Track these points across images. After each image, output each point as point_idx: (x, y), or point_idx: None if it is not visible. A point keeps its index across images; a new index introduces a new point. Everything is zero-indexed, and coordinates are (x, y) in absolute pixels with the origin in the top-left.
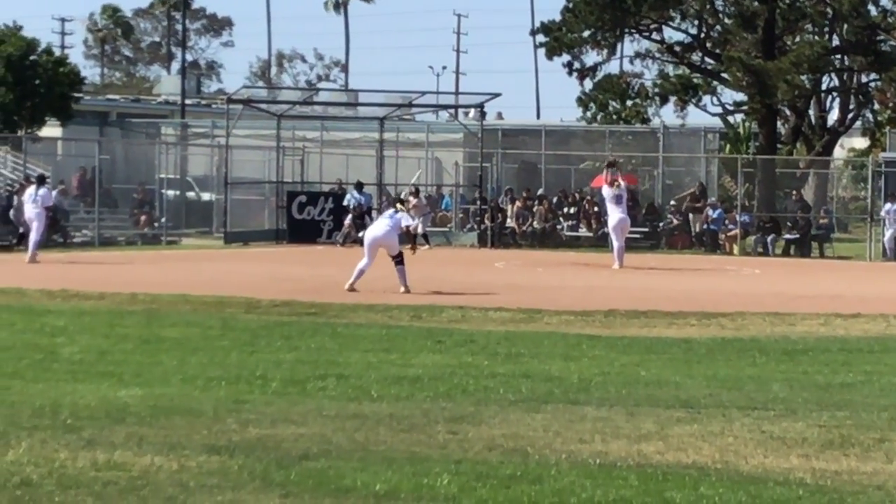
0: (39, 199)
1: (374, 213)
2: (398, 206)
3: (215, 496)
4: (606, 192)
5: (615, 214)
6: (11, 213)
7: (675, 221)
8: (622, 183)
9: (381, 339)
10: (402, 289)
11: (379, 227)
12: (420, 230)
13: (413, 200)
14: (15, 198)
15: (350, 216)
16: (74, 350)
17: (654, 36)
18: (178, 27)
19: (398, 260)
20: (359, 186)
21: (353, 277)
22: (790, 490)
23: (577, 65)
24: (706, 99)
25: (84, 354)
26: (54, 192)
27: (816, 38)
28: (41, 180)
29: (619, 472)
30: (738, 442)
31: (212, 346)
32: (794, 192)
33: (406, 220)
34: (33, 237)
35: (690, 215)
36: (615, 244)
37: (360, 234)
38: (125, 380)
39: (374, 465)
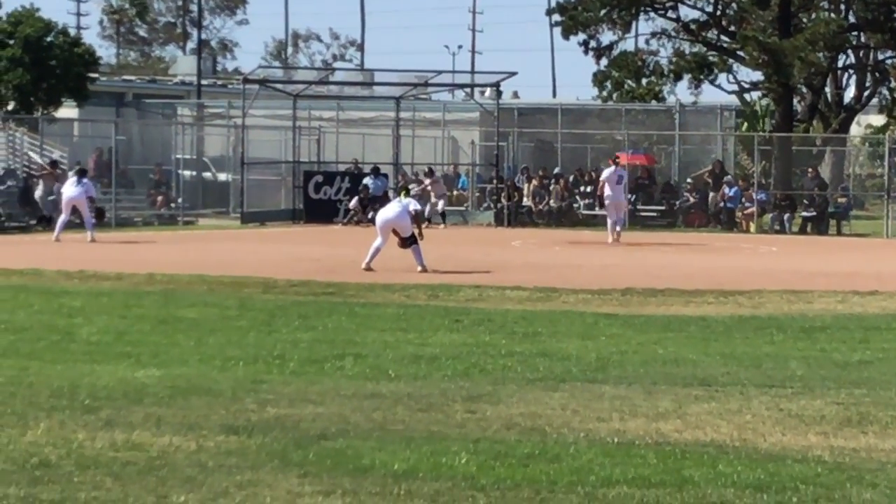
0: (83, 189)
1: (390, 195)
2: (402, 195)
3: (234, 476)
4: (607, 172)
5: (610, 193)
6: (38, 195)
7: (692, 199)
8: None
9: (398, 318)
10: (419, 268)
11: (391, 208)
12: (439, 208)
13: (427, 181)
14: (40, 183)
15: (357, 198)
16: (92, 331)
17: (670, 14)
18: (193, 6)
19: (412, 241)
20: (375, 171)
21: (369, 257)
22: (808, 467)
23: (592, 43)
24: (722, 77)
25: (102, 335)
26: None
27: (832, 15)
28: (82, 173)
29: (638, 451)
30: (756, 420)
31: (229, 326)
32: (811, 170)
33: (414, 206)
34: (87, 221)
35: (710, 193)
36: (609, 220)
37: (371, 216)
38: (143, 360)
39: (391, 445)
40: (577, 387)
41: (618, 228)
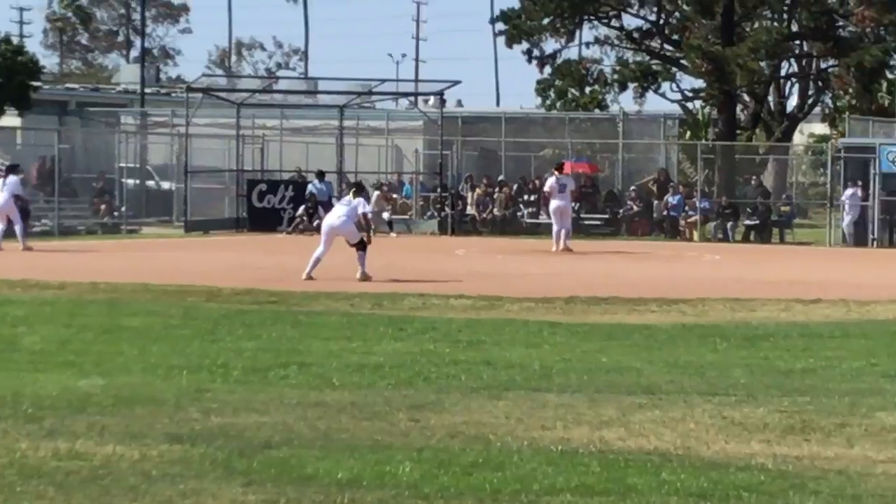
0: (8, 194)
1: (334, 202)
2: (352, 194)
3: (177, 485)
4: (552, 180)
5: (555, 201)
6: None
7: (636, 208)
8: (568, 174)
9: (342, 326)
10: (359, 274)
11: (335, 215)
12: (385, 217)
13: (376, 193)
14: None
15: (304, 205)
16: (35, 340)
17: (613, 23)
18: (136, 15)
19: (359, 246)
20: (320, 175)
21: (310, 266)
22: (752, 475)
23: (536, 52)
24: (665, 85)
25: (45, 344)
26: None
27: (775, 24)
28: (11, 169)
29: (581, 459)
30: (700, 428)
31: (173, 335)
32: (754, 178)
33: (363, 208)
34: (18, 231)
35: (654, 202)
36: (554, 229)
37: (315, 224)
38: (86, 369)
39: (336, 454)
40: (521, 395)
41: (563, 237)
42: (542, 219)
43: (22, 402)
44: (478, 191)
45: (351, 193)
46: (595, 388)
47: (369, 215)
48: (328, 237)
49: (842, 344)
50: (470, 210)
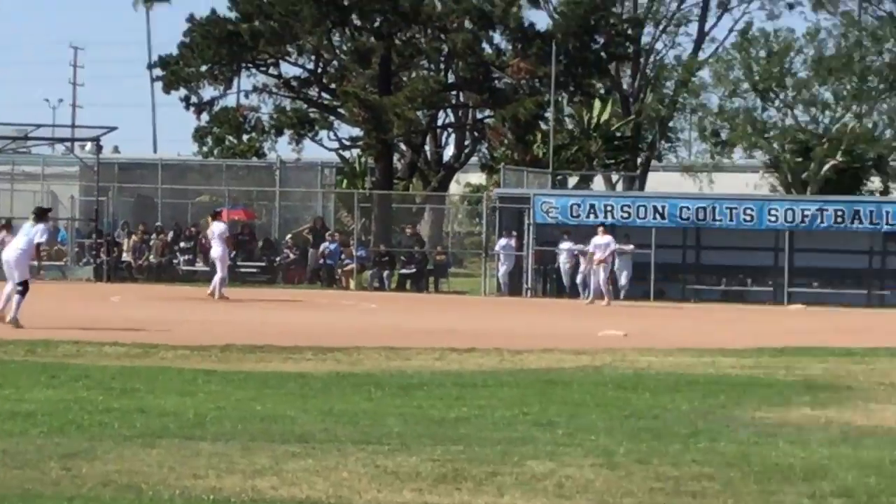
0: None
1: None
2: (33, 220)
3: None
4: (217, 227)
5: (216, 248)
6: None
7: (292, 255)
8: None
9: None
10: (11, 319)
11: (14, 247)
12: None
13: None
14: None
15: None
16: None
17: (272, 70)
18: None
19: (23, 288)
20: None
21: (12, 309)
22: None
23: (194, 99)
24: (323, 133)
25: None
26: None
27: (432, 73)
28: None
29: None
30: (353, 476)
31: None
32: (410, 227)
33: (39, 236)
34: None
35: (310, 250)
36: (218, 276)
37: None
38: None
39: None
40: (174, 443)
41: (216, 284)
42: (199, 266)
43: None
44: (134, 237)
45: (32, 219)
46: (249, 437)
47: (43, 246)
48: (9, 272)
49: (494, 392)
50: (126, 257)
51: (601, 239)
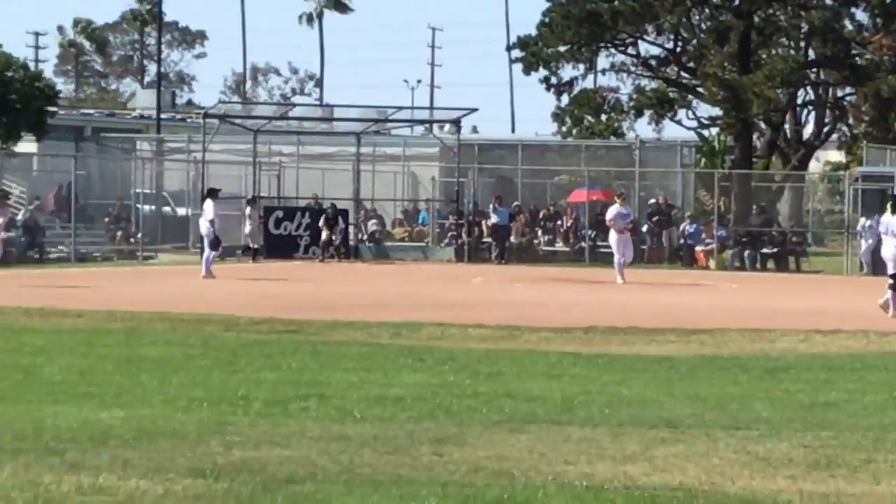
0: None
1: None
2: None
3: None
4: (613, 210)
5: (616, 231)
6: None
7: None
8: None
9: (361, 357)
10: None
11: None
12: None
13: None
14: None
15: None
16: (54, 370)
17: (630, 50)
18: (150, 40)
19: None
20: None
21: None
22: None
23: (553, 80)
24: (681, 113)
25: (64, 375)
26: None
27: (791, 52)
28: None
29: (606, 495)
30: (724, 462)
31: (192, 365)
32: (770, 206)
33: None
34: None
35: (663, 231)
36: (616, 259)
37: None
38: (106, 401)
39: (360, 489)
40: (543, 428)
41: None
42: (559, 246)
43: (43, 434)
44: (521, 219)
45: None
46: (617, 422)
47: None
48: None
49: (863, 376)
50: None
51: None
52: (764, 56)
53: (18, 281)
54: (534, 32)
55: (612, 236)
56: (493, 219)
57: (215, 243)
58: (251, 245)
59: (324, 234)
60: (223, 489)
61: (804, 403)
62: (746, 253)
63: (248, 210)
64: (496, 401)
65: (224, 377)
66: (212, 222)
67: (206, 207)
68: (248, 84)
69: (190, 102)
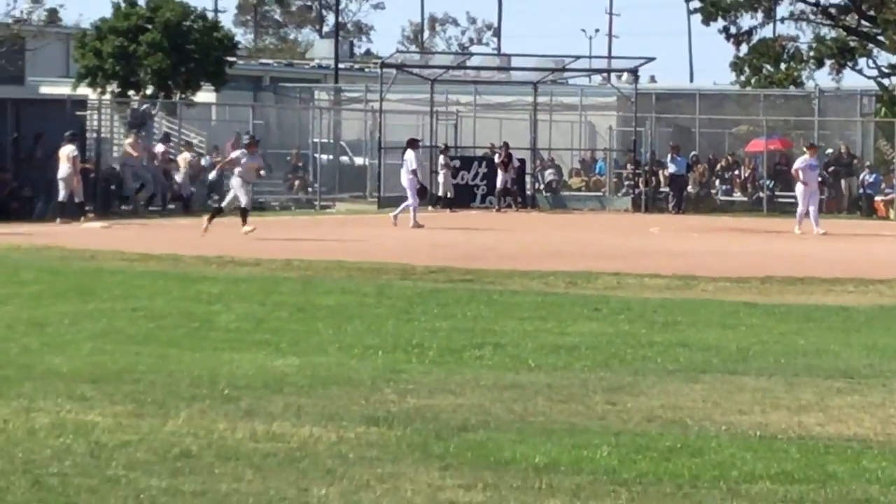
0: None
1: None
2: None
3: (374, 468)
4: (802, 160)
5: (802, 182)
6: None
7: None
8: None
9: (536, 306)
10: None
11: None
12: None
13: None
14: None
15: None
16: (231, 318)
17: None
18: None
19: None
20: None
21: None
22: None
23: (732, 29)
24: (861, 62)
25: (240, 322)
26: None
27: None
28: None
29: (780, 445)
30: None
31: (368, 313)
32: None
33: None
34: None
35: (842, 181)
36: (799, 209)
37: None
38: (282, 348)
39: (532, 437)
40: (717, 378)
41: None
42: (736, 196)
43: (218, 381)
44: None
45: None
46: (792, 372)
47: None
48: None
49: None
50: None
51: None
52: None
53: (194, 229)
54: None
55: (799, 186)
56: (671, 168)
57: (422, 192)
58: (447, 194)
59: (499, 179)
60: (396, 436)
61: None
62: None
63: (441, 159)
64: (671, 350)
65: (399, 325)
66: (414, 172)
67: (408, 158)
68: (426, 34)
69: (368, 52)
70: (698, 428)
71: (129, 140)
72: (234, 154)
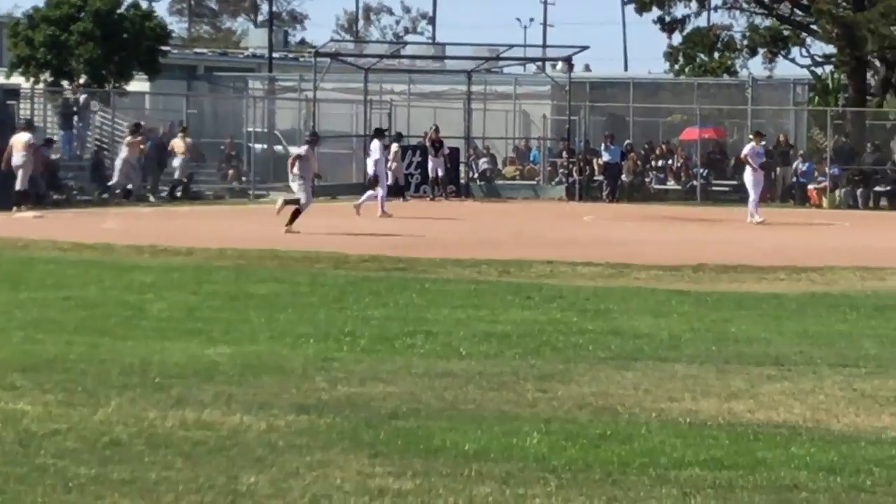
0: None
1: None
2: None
3: (304, 456)
4: (749, 148)
5: (753, 168)
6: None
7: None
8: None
9: (469, 294)
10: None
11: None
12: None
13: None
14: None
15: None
16: (163, 307)
17: None
18: None
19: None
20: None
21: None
22: (882, 449)
23: (666, 18)
24: (795, 51)
25: (172, 311)
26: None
27: None
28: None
29: (710, 432)
30: (830, 400)
31: (300, 302)
32: (885, 145)
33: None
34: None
35: (777, 169)
36: (751, 197)
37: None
38: (214, 337)
39: (463, 425)
40: (648, 365)
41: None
42: (670, 185)
43: (150, 370)
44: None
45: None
46: (723, 359)
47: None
48: None
49: None
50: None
51: None
52: None
53: (130, 218)
54: None
55: (748, 174)
56: (605, 157)
57: (374, 182)
58: (397, 182)
59: (430, 167)
60: (326, 424)
61: None
62: (859, 191)
63: (394, 147)
64: (602, 338)
65: (331, 314)
66: (377, 162)
67: (374, 147)
68: (361, 23)
69: (302, 41)
70: (628, 415)
71: (129, 139)
72: (302, 150)
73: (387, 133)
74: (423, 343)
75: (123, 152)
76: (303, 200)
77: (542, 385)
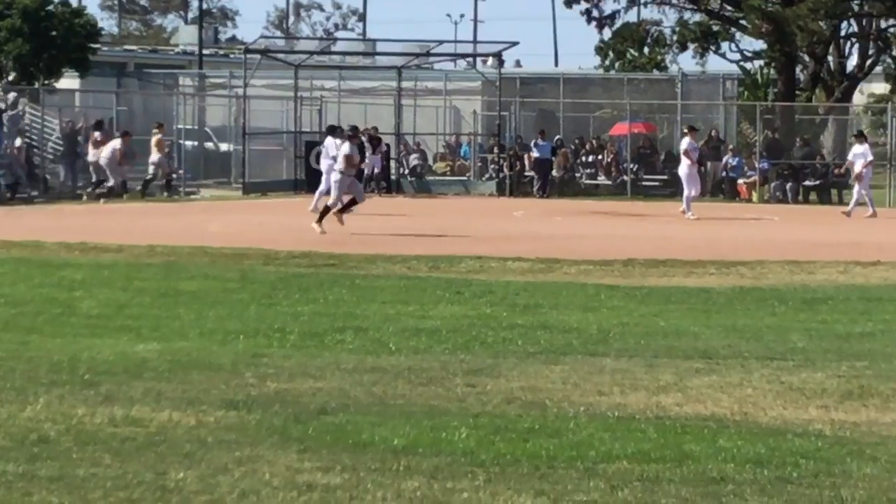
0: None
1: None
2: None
3: (233, 451)
4: (686, 142)
5: (691, 163)
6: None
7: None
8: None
9: (399, 290)
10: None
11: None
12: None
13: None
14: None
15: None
16: (92, 304)
17: None
18: None
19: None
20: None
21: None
22: (809, 442)
23: (595, 13)
24: (724, 46)
25: (102, 308)
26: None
27: None
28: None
29: (638, 425)
30: (757, 393)
31: (230, 298)
32: (814, 139)
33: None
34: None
35: (707, 163)
36: (686, 192)
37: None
38: (143, 334)
39: (392, 420)
40: (577, 360)
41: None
42: (601, 180)
43: (79, 367)
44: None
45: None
46: (652, 353)
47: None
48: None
49: None
50: (528, 172)
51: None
52: None
53: (59, 216)
54: None
55: (684, 169)
56: (535, 152)
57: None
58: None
59: (367, 162)
60: (255, 420)
61: (840, 334)
62: (789, 185)
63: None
64: (532, 333)
65: (261, 310)
66: (334, 159)
67: (328, 144)
68: (291, 19)
69: (233, 38)
70: (557, 409)
71: (158, 137)
72: (346, 149)
73: (339, 129)
74: (352, 339)
75: (106, 150)
76: (332, 199)
77: (471, 380)
